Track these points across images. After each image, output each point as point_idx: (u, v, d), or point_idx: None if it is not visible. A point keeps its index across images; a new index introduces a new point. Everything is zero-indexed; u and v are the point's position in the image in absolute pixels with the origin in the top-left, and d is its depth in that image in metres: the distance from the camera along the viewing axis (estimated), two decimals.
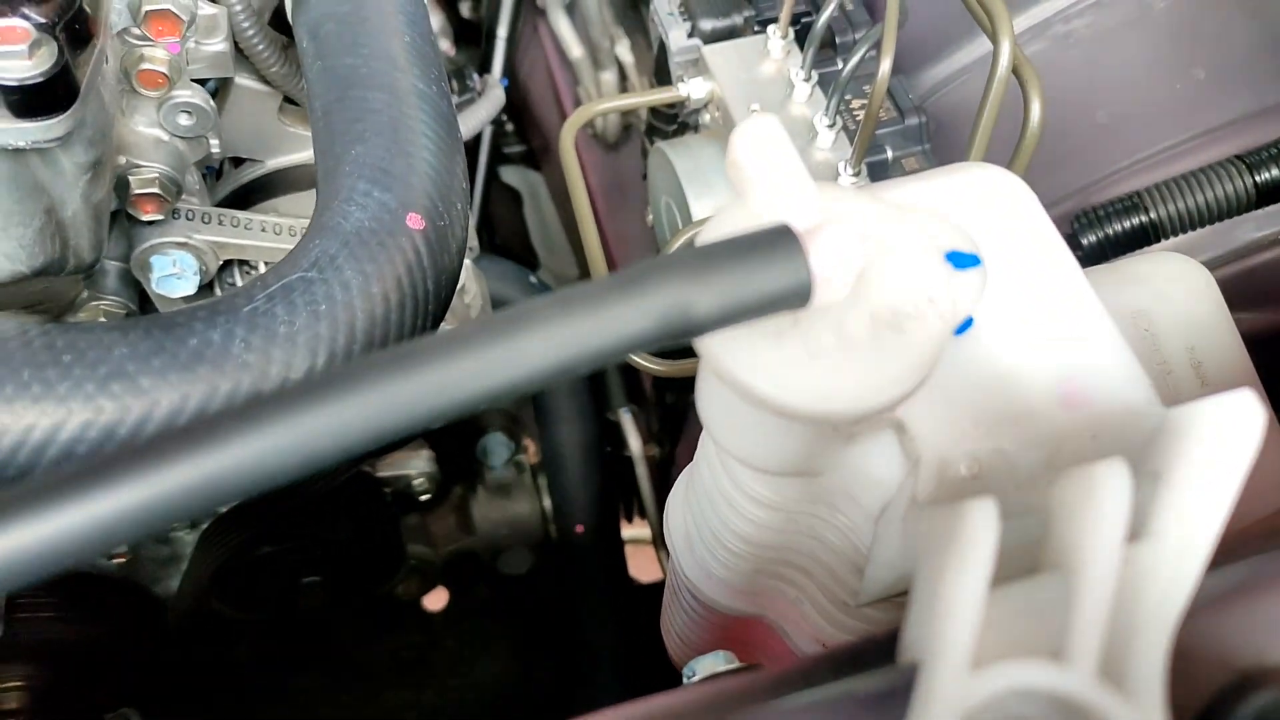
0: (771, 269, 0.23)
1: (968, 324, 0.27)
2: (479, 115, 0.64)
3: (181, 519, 0.20)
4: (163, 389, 0.34)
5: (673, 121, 0.66)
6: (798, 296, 0.23)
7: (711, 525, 0.37)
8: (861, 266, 0.24)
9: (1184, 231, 0.59)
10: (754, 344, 0.25)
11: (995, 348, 0.27)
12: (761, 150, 0.25)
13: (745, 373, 0.25)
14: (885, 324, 0.24)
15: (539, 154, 1.03)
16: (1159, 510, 0.20)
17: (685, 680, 0.35)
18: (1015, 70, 0.50)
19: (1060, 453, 0.25)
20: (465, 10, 0.95)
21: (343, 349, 0.36)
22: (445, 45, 0.85)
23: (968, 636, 0.17)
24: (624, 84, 0.80)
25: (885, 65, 0.51)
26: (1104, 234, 0.59)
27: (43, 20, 0.37)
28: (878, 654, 0.21)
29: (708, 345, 0.25)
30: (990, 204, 0.28)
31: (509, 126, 1.02)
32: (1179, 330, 0.40)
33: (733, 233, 0.24)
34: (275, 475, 0.19)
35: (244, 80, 0.54)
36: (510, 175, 1.03)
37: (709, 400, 0.29)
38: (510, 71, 0.92)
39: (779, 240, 0.23)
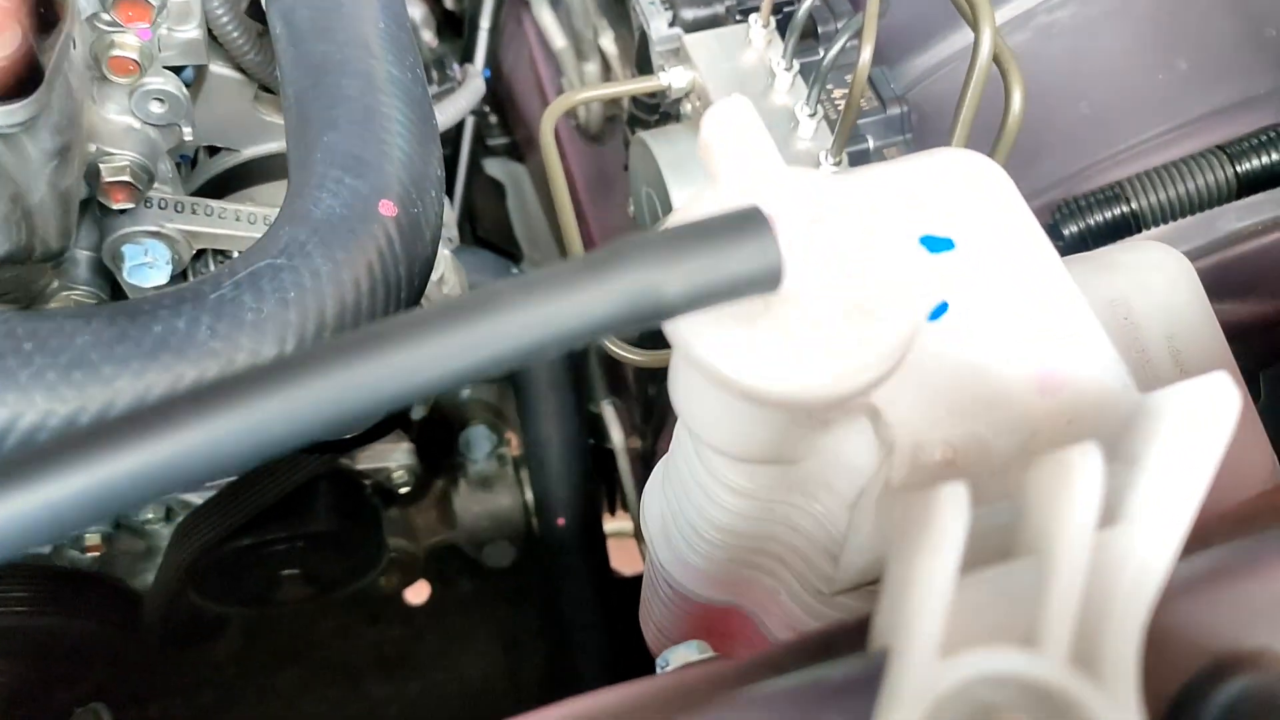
0: (741, 251, 0.23)
1: (942, 309, 0.27)
2: (458, 104, 0.64)
3: (141, 500, 0.19)
4: (126, 377, 0.34)
5: (654, 111, 0.66)
6: (768, 280, 0.23)
7: (687, 514, 0.36)
8: (833, 249, 0.24)
9: (1165, 222, 0.59)
10: (725, 328, 0.24)
11: (970, 333, 0.27)
12: (732, 132, 0.25)
13: (716, 358, 0.24)
14: (858, 308, 0.24)
15: (523, 146, 1.03)
16: (1133, 495, 0.20)
17: (658, 670, 0.34)
18: (996, 60, 0.50)
19: (1036, 438, 0.25)
20: (449, 2, 0.94)
21: (312, 336, 0.36)
22: (428, 36, 0.84)
23: (936, 622, 0.17)
24: (608, 75, 0.80)
25: (866, 54, 0.51)
26: (1085, 224, 0.59)
27: (6, 3, 0.36)
28: (849, 641, 0.21)
29: (678, 330, 0.25)
30: (965, 188, 0.28)
31: (492, 119, 1.01)
32: (1158, 319, 0.40)
33: (703, 215, 0.23)
34: (236, 457, 0.19)
35: (219, 68, 0.53)
36: (493, 167, 1.02)
37: (682, 387, 0.29)
38: (494, 63, 0.91)
39: (749, 222, 0.23)
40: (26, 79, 0.38)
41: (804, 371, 0.24)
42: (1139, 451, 0.22)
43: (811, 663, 0.20)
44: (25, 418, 0.33)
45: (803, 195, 0.24)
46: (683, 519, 0.37)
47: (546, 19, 0.83)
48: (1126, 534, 0.19)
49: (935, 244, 0.25)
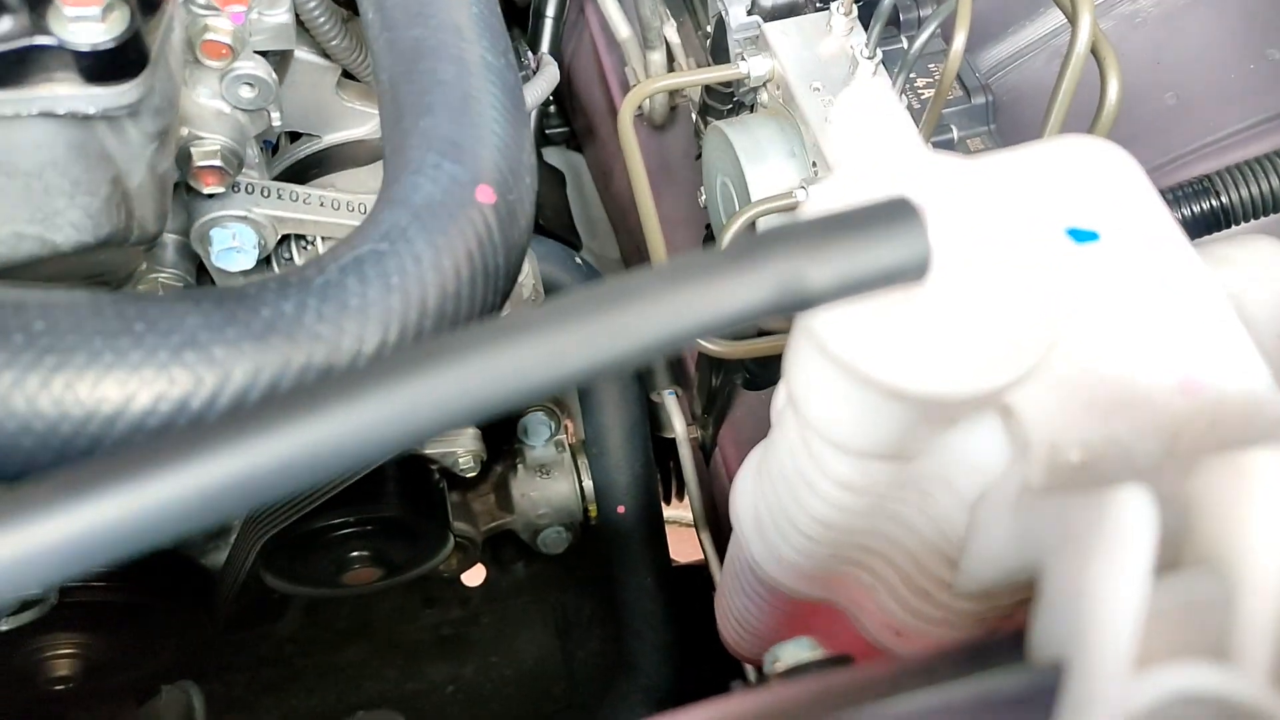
0: (889, 242, 0.22)
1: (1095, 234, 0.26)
2: (536, 91, 0.64)
3: (299, 486, 0.19)
4: (236, 359, 0.34)
5: (728, 101, 0.65)
6: (915, 271, 0.22)
7: (786, 507, 0.36)
8: (979, 240, 0.23)
9: (1256, 217, 0.58)
10: (862, 320, 0.24)
11: (1108, 328, 0.26)
12: (872, 118, 0.24)
13: (851, 349, 0.24)
14: (1002, 302, 0.23)
15: (582, 135, 1.02)
16: None
17: (766, 667, 0.34)
18: (1093, 48, 0.48)
19: (1178, 441, 0.24)
20: None
21: (414, 323, 0.36)
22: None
23: (1131, 634, 0.16)
24: (671, 65, 0.79)
25: (959, 42, 0.50)
26: (1173, 218, 0.58)
27: None
28: (1002, 652, 0.20)
29: (813, 321, 0.24)
30: (1101, 176, 0.27)
31: (551, 108, 1.01)
32: (1271, 315, 0.39)
33: (840, 205, 0.23)
34: (406, 436, 0.19)
35: (303, 54, 0.54)
36: (552, 156, 1.02)
37: (804, 378, 0.28)
38: (555, 53, 0.91)
39: (898, 212, 0.22)
40: (134, 61, 0.38)
41: (944, 368, 0.23)
42: None
43: (967, 673, 0.20)
44: (138, 399, 0.33)
45: (947, 183, 0.23)
46: (780, 512, 0.37)
47: (611, 8, 0.83)
48: None
49: (1081, 235, 0.24)
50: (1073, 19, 0.48)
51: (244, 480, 0.19)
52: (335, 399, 0.20)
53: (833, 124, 0.25)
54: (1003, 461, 0.27)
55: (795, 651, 0.33)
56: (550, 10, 0.87)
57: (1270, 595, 0.17)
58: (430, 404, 0.19)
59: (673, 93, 0.78)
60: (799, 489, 0.34)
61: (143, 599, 0.65)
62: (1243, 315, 0.40)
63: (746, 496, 0.40)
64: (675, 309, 0.21)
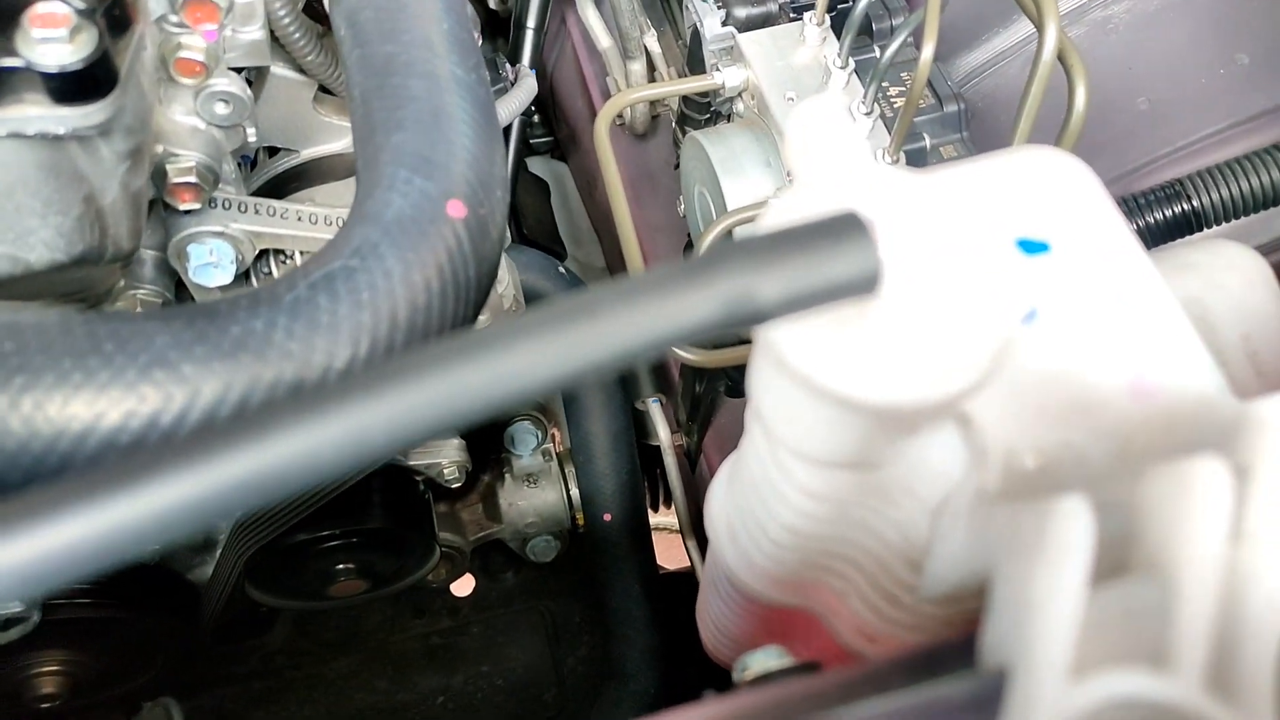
0: (839, 256, 0.22)
1: (1032, 313, 0.27)
2: (512, 104, 0.64)
3: (268, 499, 0.19)
4: (205, 377, 0.34)
5: (705, 110, 0.65)
6: (866, 284, 0.23)
7: (757, 515, 0.36)
8: (930, 253, 0.23)
9: (1226, 220, 0.58)
10: (817, 333, 0.24)
11: (1062, 337, 0.26)
12: (823, 133, 0.25)
13: (807, 362, 0.24)
14: (954, 313, 0.24)
15: (565, 145, 1.03)
16: (1253, 510, 0.19)
17: (736, 675, 0.34)
18: (1060, 55, 0.49)
19: (1131, 445, 0.25)
20: (493, 2, 0.94)
21: (385, 338, 0.36)
22: (475, 36, 0.84)
23: (1068, 642, 0.17)
24: (652, 74, 0.80)
25: (927, 51, 0.50)
26: (1145, 222, 0.58)
27: (83, 5, 0.37)
28: (953, 658, 0.21)
29: (770, 335, 0.24)
30: (1054, 187, 0.28)
31: (535, 118, 1.01)
32: (1233, 318, 0.39)
33: (794, 220, 0.23)
34: (344, 462, 0.19)
35: (279, 69, 0.54)
36: (536, 166, 1.02)
37: (764, 390, 0.29)
38: (538, 63, 0.91)
39: (847, 227, 0.23)
40: (103, 81, 0.38)
41: (899, 378, 0.24)
42: (1248, 463, 0.21)
43: (917, 680, 0.20)
44: (108, 418, 0.33)
45: (898, 197, 0.24)
46: (751, 520, 0.37)
47: (592, 18, 0.83)
48: (1253, 551, 0.18)
49: (1031, 247, 0.25)
50: (1039, 27, 0.48)
51: (223, 489, 0.19)
52: (299, 416, 0.20)
53: (787, 137, 0.25)
54: (963, 468, 0.27)
55: (763, 660, 0.33)
56: (531, 21, 0.87)
57: (1204, 601, 0.17)
58: (387, 419, 0.20)
59: (655, 102, 0.79)
60: (767, 497, 0.34)
61: (129, 615, 0.65)
62: (1207, 318, 0.41)
63: (719, 504, 0.41)
64: (628, 325, 0.22)
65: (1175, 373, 0.26)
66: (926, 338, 0.23)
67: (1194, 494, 0.18)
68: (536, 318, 0.21)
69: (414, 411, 0.19)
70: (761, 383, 0.28)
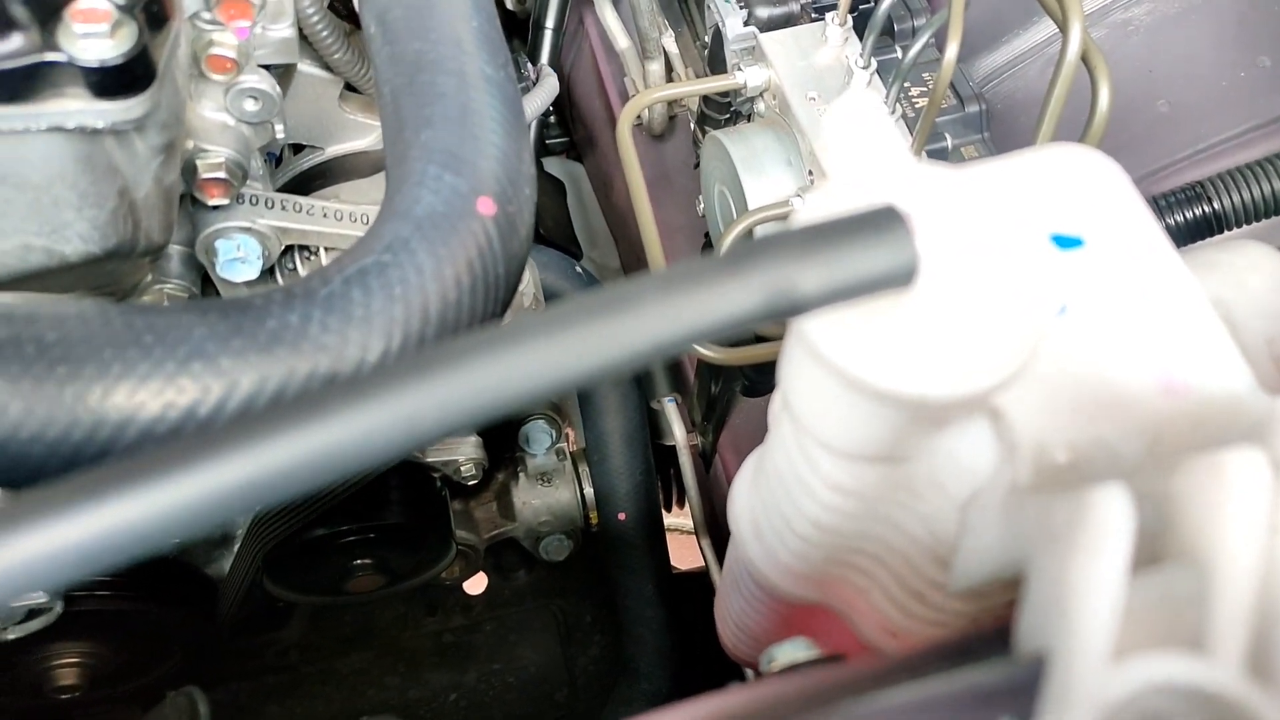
0: (877, 249, 0.23)
1: (1064, 307, 0.27)
2: (535, 103, 0.64)
3: (303, 488, 0.20)
4: (242, 369, 0.35)
5: (725, 110, 0.66)
6: (902, 277, 0.23)
7: (783, 510, 0.37)
8: (965, 247, 0.24)
9: (1248, 222, 0.58)
10: (852, 325, 0.24)
11: (1093, 333, 0.27)
12: (861, 128, 0.25)
13: (841, 353, 0.24)
14: (988, 306, 0.24)
15: (582, 145, 1.03)
16: None
17: (763, 667, 0.34)
18: (1084, 56, 0.49)
19: (1161, 441, 0.25)
20: (511, 3, 0.95)
21: (416, 332, 0.37)
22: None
23: (1108, 627, 0.17)
24: (670, 75, 0.80)
25: (951, 51, 0.50)
26: (1166, 224, 0.58)
27: (124, 1, 0.37)
28: (987, 647, 0.21)
29: (804, 326, 0.25)
30: (1086, 184, 0.28)
31: (551, 118, 1.02)
32: (1257, 318, 0.40)
33: (830, 214, 0.24)
34: (393, 448, 0.20)
35: (306, 67, 0.55)
36: (552, 166, 1.03)
37: (797, 382, 0.29)
38: (555, 64, 0.92)
39: (885, 220, 0.23)
40: (141, 76, 0.39)
41: (932, 371, 0.24)
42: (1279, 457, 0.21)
43: (952, 667, 0.20)
44: (147, 409, 0.34)
45: (935, 192, 0.24)
46: (777, 515, 0.37)
47: (610, 19, 0.83)
48: None
49: (1065, 242, 0.25)
50: (1064, 28, 0.48)
51: (248, 481, 0.20)
52: (333, 405, 0.21)
53: (823, 134, 0.25)
54: (992, 463, 0.28)
55: (791, 651, 0.33)
56: (550, 21, 0.87)
57: (1242, 588, 0.18)
58: (426, 409, 0.20)
59: (671, 102, 0.79)
60: (794, 491, 0.35)
61: (148, 607, 0.66)
62: (1231, 318, 0.41)
63: (743, 499, 0.41)
64: (668, 316, 0.22)
65: (1205, 370, 0.26)
66: (960, 331, 0.23)
67: (1231, 484, 0.19)
68: (579, 307, 0.22)
69: (461, 399, 0.20)
70: (794, 374, 0.29)
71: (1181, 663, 0.17)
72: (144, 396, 0.34)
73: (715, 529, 0.82)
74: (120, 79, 0.38)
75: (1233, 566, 0.18)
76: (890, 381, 0.24)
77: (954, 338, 0.24)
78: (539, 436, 0.85)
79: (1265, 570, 0.18)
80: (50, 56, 0.36)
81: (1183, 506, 0.20)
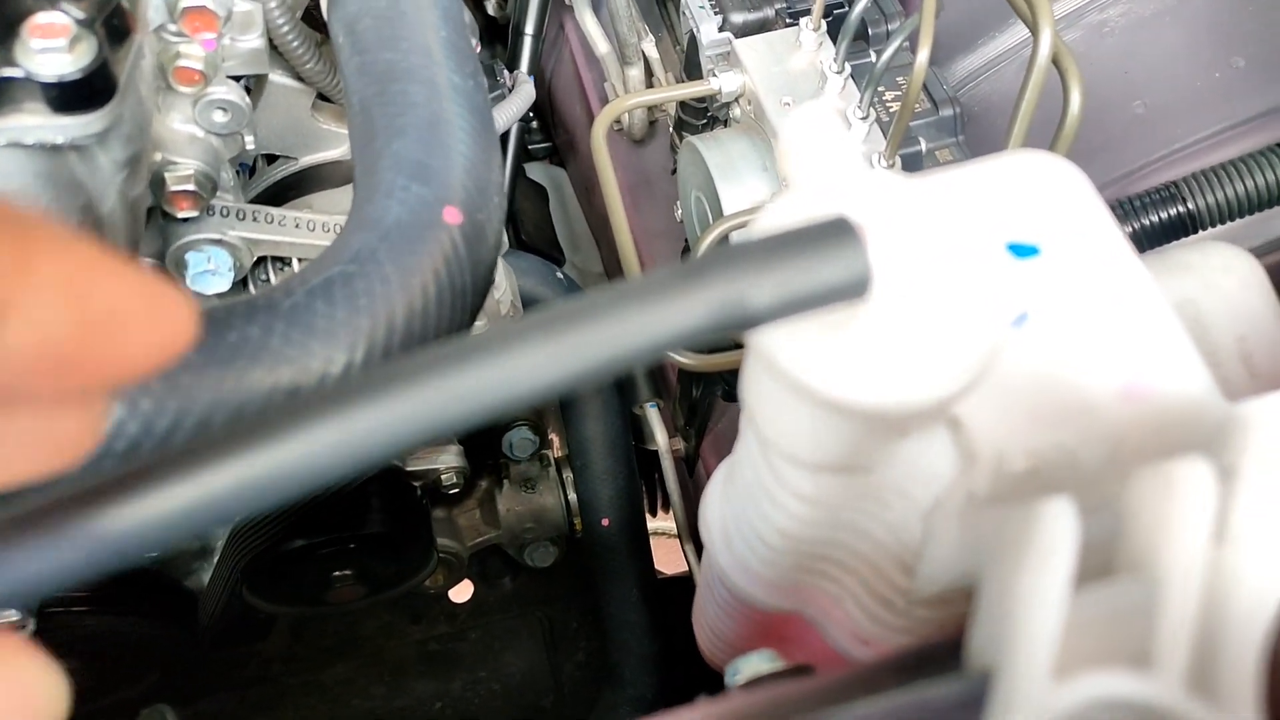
0: (829, 261, 0.23)
1: (1023, 316, 0.27)
2: (510, 110, 0.64)
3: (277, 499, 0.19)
4: (201, 383, 0.34)
5: (702, 116, 0.66)
6: (856, 288, 0.23)
7: (751, 520, 0.36)
8: (920, 257, 0.24)
9: (1223, 222, 0.59)
10: (808, 337, 0.24)
11: (1053, 341, 0.26)
12: (815, 139, 0.25)
13: (798, 367, 0.24)
14: (944, 317, 0.24)
15: (563, 150, 1.03)
16: (1238, 511, 0.19)
17: (728, 680, 0.34)
18: (1054, 59, 0.49)
19: (1123, 448, 0.25)
20: (491, 8, 0.95)
21: (382, 342, 0.36)
22: (472, 43, 0.85)
23: (1050, 643, 0.17)
24: (650, 80, 0.80)
25: (922, 56, 0.50)
26: (1141, 224, 0.58)
27: (82, 15, 0.37)
28: (942, 659, 0.21)
29: (760, 339, 0.25)
30: (1046, 191, 0.28)
31: (533, 124, 1.01)
32: (1228, 321, 0.40)
33: (787, 224, 0.23)
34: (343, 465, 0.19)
35: (278, 77, 0.54)
36: (534, 172, 1.03)
37: (756, 395, 0.29)
38: (536, 69, 0.91)
39: (837, 231, 0.23)
40: (101, 90, 0.39)
41: (889, 382, 0.24)
42: (1235, 464, 0.21)
43: (905, 681, 0.20)
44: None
45: (888, 202, 0.24)
46: (746, 524, 0.37)
47: (590, 24, 0.83)
48: (1237, 553, 0.19)
49: (1021, 250, 0.25)
50: (1034, 31, 0.48)
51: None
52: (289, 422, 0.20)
53: (780, 143, 0.25)
54: (955, 470, 0.27)
55: (755, 664, 0.33)
56: (529, 28, 0.87)
57: (1187, 602, 0.18)
58: (356, 434, 0.20)
59: (652, 107, 0.79)
60: (761, 501, 0.34)
61: (125, 622, 0.65)
62: (1201, 320, 0.41)
63: (714, 509, 0.41)
64: (618, 331, 0.22)
65: (1166, 375, 0.26)
66: (916, 341, 0.23)
67: (1178, 495, 0.19)
68: (526, 324, 0.21)
69: (397, 420, 0.19)
70: (753, 387, 0.29)
71: (1124, 678, 0.17)
72: None
73: (698, 534, 0.82)
74: (79, 94, 0.37)
75: (1177, 579, 0.18)
76: (846, 393, 0.24)
77: (909, 348, 0.23)
78: (522, 443, 0.85)
79: (1210, 582, 0.18)
80: (7, 72, 0.36)
81: (1133, 517, 0.20)
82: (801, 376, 0.24)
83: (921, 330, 0.23)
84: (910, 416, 0.24)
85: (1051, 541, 0.18)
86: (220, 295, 0.52)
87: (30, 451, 0.17)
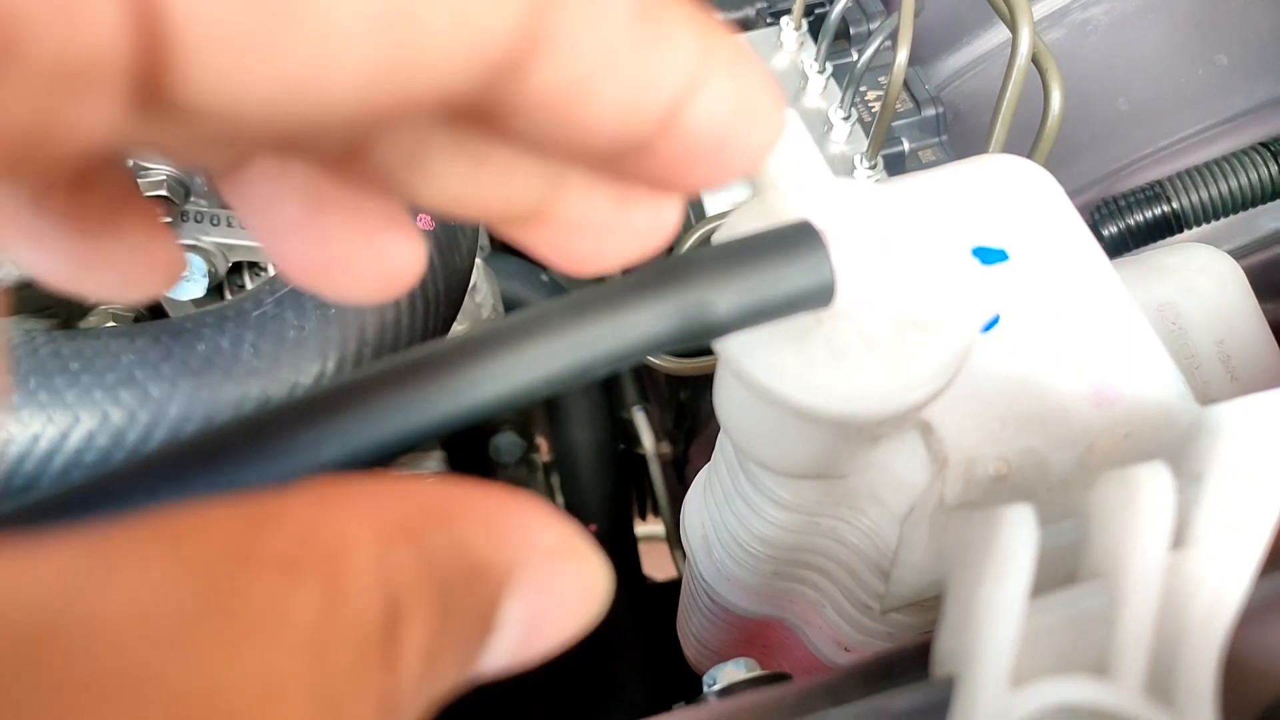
0: (793, 267, 0.22)
1: (994, 321, 0.26)
2: None
3: None
4: (172, 395, 0.34)
5: None
6: (820, 295, 0.23)
7: (730, 527, 0.36)
8: (885, 263, 0.23)
9: (1207, 221, 0.58)
10: (775, 345, 0.24)
11: (1023, 345, 0.26)
12: (781, 145, 0.24)
13: (766, 375, 0.24)
14: (910, 323, 0.23)
15: None
16: (1200, 515, 0.19)
17: (705, 688, 0.34)
18: (1034, 59, 0.49)
19: (1093, 452, 0.25)
20: None
21: (353, 352, 0.36)
22: None
23: (1007, 651, 0.17)
24: None
25: (902, 55, 0.50)
26: (1125, 224, 0.58)
27: None
28: (909, 666, 0.20)
29: (727, 347, 0.24)
30: (1015, 195, 0.28)
31: None
32: (1207, 323, 0.39)
33: (751, 230, 0.23)
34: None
35: None
36: None
37: (727, 403, 0.28)
38: None
39: (800, 237, 0.22)
40: None
41: (856, 388, 0.23)
42: (1202, 468, 0.21)
43: (871, 689, 0.20)
44: (72, 436, 0.33)
45: (853, 208, 0.24)
46: (725, 531, 0.37)
47: None
48: (1197, 557, 0.18)
49: (988, 255, 0.25)
50: (1013, 30, 0.48)
51: None
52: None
53: None
54: (928, 477, 0.27)
55: (732, 672, 0.33)
56: None
57: (1145, 608, 0.17)
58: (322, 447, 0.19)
59: None
60: (739, 507, 0.34)
61: None
62: (1180, 323, 0.40)
63: (695, 515, 0.40)
64: (577, 342, 0.21)
65: (1137, 379, 0.26)
66: (881, 347, 0.23)
67: (1138, 500, 0.18)
68: (482, 335, 0.21)
69: (348, 435, 0.19)
70: (724, 394, 0.28)
71: (1081, 685, 0.17)
72: (69, 424, 0.33)
73: None
74: None
75: (1135, 585, 0.18)
76: (816, 400, 0.24)
77: (875, 354, 0.23)
78: (509, 448, 0.85)
79: (1168, 588, 0.18)
80: None
81: (1096, 522, 0.20)
82: (770, 384, 0.24)
83: (886, 336, 0.23)
84: (880, 422, 0.24)
85: (1010, 549, 0.17)
86: (195, 301, 0.52)
87: (627, 241, 0.18)
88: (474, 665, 0.15)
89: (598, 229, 0.19)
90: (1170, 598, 0.18)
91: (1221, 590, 0.18)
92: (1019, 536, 0.17)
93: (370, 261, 0.19)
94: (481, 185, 0.18)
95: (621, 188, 0.19)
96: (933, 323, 0.24)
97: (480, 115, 0.15)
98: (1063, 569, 0.21)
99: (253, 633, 0.10)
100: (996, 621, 0.17)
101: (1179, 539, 0.19)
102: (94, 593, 0.10)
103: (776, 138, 0.18)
